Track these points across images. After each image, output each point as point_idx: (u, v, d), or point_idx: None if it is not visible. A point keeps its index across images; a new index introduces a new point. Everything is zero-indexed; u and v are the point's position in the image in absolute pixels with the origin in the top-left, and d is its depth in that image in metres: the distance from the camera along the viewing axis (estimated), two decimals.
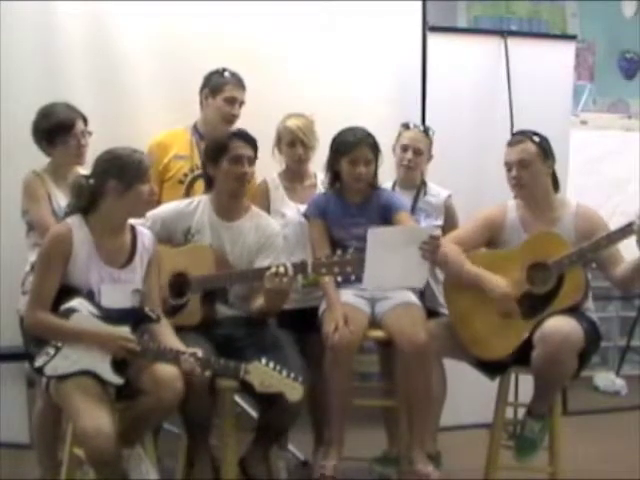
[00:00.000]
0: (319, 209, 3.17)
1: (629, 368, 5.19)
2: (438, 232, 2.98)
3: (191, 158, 3.36)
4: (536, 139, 3.00)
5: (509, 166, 3.01)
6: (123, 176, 2.54)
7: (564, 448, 2.96)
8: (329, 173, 3.19)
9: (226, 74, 3.33)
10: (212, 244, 2.94)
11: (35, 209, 2.95)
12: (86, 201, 2.59)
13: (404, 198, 3.30)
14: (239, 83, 3.34)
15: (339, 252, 2.73)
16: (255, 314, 2.90)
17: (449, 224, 3.37)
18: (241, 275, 2.89)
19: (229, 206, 3.00)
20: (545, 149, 3.00)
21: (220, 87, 3.31)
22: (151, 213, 2.98)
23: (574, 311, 2.85)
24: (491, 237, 3.07)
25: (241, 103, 3.35)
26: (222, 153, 2.92)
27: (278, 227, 3.10)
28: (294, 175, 3.40)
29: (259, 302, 2.85)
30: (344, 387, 2.96)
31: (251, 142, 2.96)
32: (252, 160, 2.96)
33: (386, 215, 3.10)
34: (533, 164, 2.97)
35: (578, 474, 3.20)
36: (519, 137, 3.05)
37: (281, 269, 2.68)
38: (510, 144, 3.04)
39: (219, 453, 2.83)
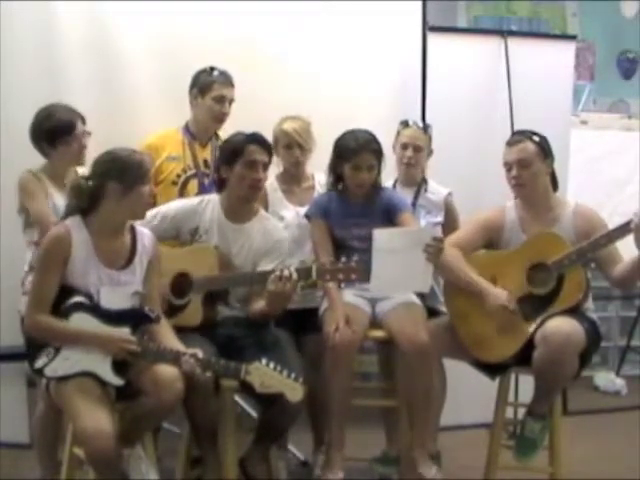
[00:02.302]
0: (321, 209, 3.16)
1: (629, 368, 5.20)
2: (440, 232, 2.97)
3: (183, 159, 3.36)
4: (535, 139, 3.00)
5: (508, 166, 3.00)
6: (124, 177, 2.52)
7: (564, 448, 2.96)
8: (331, 175, 3.19)
9: (214, 73, 3.33)
10: (219, 245, 2.94)
11: (33, 205, 2.94)
12: (85, 202, 2.57)
13: (406, 197, 3.30)
14: (227, 81, 3.34)
15: (343, 259, 2.69)
16: (255, 316, 2.89)
17: (449, 221, 3.37)
18: (244, 277, 2.89)
19: (239, 209, 2.99)
20: (544, 148, 3.00)
21: (208, 86, 3.31)
22: (158, 210, 2.98)
23: (575, 311, 2.85)
24: (490, 239, 3.07)
25: (231, 101, 3.34)
26: (237, 157, 2.90)
27: (285, 232, 3.09)
28: (292, 177, 3.40)
29: (260, 304, 2.84)
30: (344, 388, 2.96)
31: (267, 147, 2.96)
32: (266, 166, 2.96)
33: (389, 216, 3.09)
34: (533, 164, 2.96)
35: (578, 474, 3.20)
36: (518, 137, 3.04)
37: (285, 273, 2.67)
38: (509, 144, 3.04)
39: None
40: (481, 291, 2.93)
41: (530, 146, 2.98)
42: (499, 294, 2.91)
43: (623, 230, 2.78)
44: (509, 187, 3.04)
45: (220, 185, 3.02)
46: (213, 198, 3.03)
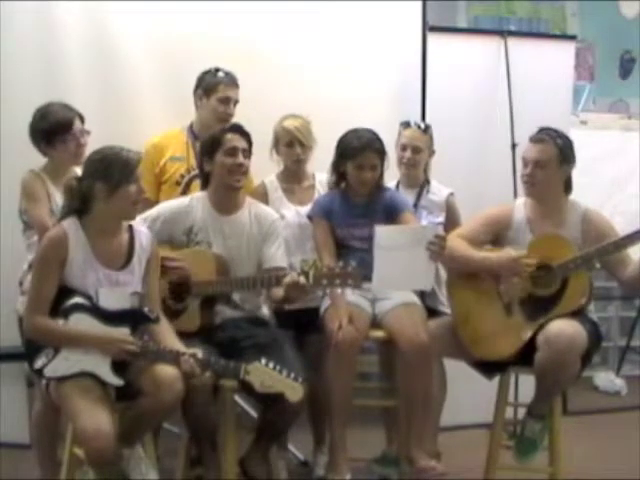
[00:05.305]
0: (323, 210, 3.17)
1: (629, 368, 5.19)
2: (442, 230, 2.97)
3: (187, 159, 3.36)
4: (559, 141, 2.95)
5: (525, 162, 2.97)
6: (109, 177, 2.50)
7: (564, 448, 2.95)
8: (334, 174, 3.19)
9: (219, 74, 3.33)
10: (215, 240, 2.94)
11: (34, 209, 2.94)
12: (78, 203, 2.57)
13: (407, 197, 3.30)
14: (232, 82, 3.34)
15: (341, 263, 2.68)
16: (279, 304, 2.90)
17: (450, 222, 3.37)
18: (243, 281, 2.87)
19: (226, 200, 2.99)
20: (565, 153, 2.96)
21: (214, 87, 3.31)
22: (148, 213, 2.97)
23: (577, 313, 2.84)
24: (496, 235, 3.06)
25: (235, 102, 3.35)
26: (217, 147, 2.93)
27: (275, 213, 3.10)
28: (292, 176, 3.40)
29: (280, 293, 2.81)
30: (347, 387, 2.96)
31: (245, 135, 2.97)
32: (247, 152, 2.97)
33: (390, 215, 3.09)
34: (550, 167, 2.93)
35: (578, 474, 3.20)
36: (543, 136, 2.98)
37: (302, 281, 2.65)
38: (532, 140, 2.99)
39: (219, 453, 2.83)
40: (490, 261, 2.92)
41: (551, 148, 2.93)
42: (506, 254, 2.90)
43: (632, 238, 2.77)
44: (521, 183, 3.02)
45: (205, 180, 3.03)
46: (201, 195, 3.03)
